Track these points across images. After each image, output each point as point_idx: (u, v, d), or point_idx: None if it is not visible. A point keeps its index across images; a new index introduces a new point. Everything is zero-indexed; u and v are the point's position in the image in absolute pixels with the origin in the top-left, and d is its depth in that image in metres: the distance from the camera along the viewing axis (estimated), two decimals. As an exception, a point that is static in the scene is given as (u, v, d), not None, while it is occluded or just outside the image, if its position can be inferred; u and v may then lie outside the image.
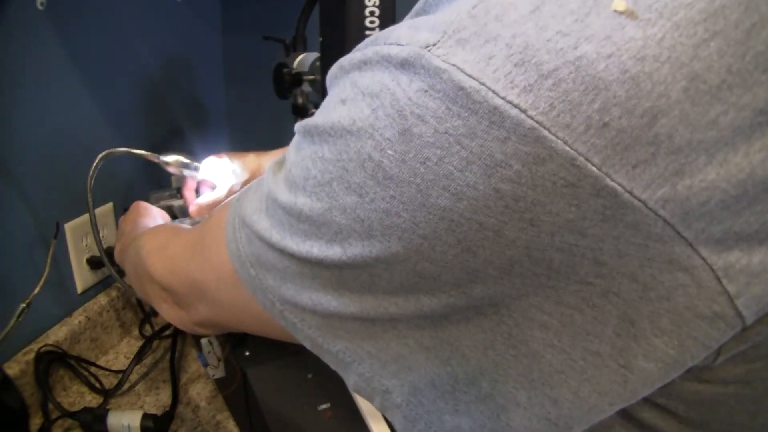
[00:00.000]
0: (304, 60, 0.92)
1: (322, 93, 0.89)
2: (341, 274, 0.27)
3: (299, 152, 0.29)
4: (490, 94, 0.21)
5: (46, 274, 0.72)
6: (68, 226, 0.80)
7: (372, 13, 0.76)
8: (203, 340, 0.68)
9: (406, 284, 0.26)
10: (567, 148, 0.21)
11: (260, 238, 0.31)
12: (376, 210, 0.25)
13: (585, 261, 0.23)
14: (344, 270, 0.27)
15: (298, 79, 0.89)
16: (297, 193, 0.28)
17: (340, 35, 0.77)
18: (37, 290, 0.70)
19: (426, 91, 0.23)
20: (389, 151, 0.24)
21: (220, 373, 0.68)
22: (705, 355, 0.24)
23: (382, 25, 0.77)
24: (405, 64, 0.24)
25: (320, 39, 0.83)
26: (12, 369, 0.69)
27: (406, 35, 0.25)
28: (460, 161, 0.22)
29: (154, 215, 0.71)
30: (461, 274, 0.24)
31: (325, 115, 0.27)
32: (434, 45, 0.23)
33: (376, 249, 0.25)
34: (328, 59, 0.83)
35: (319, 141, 0.27)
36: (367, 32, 0.76)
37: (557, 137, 0.21)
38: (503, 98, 0.21)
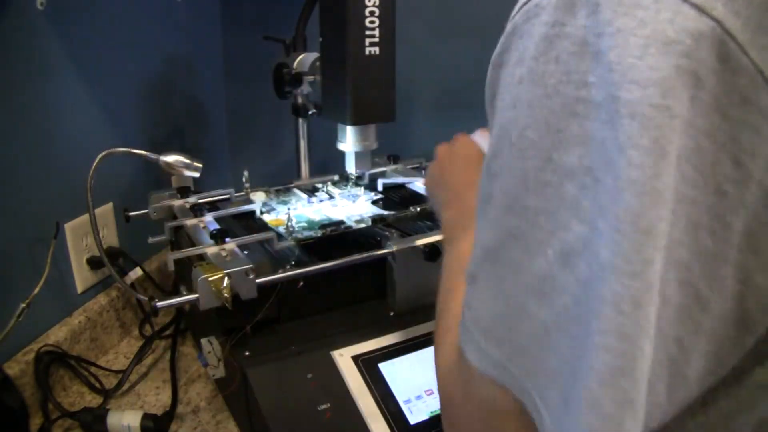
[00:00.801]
0: (304, 60, 0.92)
1: (323, 93, 0.90)
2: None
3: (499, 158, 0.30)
4: None
5: (46, 274, 0.72)
6: (68, 226, 0.80)
7: (372, 13, 0.76)
8: (203, 340, 0.68)
9: None
10: (717, 27, 0.23)
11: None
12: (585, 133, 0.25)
13: (725, 157, 0.24)
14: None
15: (298, 79, 0.90)
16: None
17: (340, 35, 0.77)
18: (37, 290, 0.70)
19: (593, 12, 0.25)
20: (589, 79, 0.25)
21: (220, 373, 0.68)
22: None
23: (382, 25, 0.77)
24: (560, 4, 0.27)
25: (320, 39, 0.83)
26: (12, 369, 0.69)
27: None
28: (638, 49, 0.24)
29: None
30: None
31: (504, 106, 0.30)
32: None
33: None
34: (328, 59, 0.83)
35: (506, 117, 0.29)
36: (367, 32, 0.76)
37: (710, 16, 0.23)
38: None
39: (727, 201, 0.24)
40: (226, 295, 0.61)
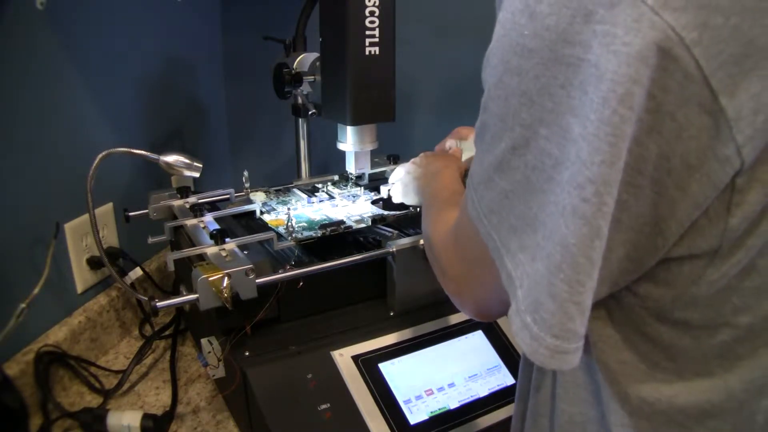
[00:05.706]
0: (304, 60, 0.92)
1: (323, 93, 0.90)
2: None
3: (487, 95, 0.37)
4: None
5: (46, 274, 0.72)
6: (68, 226, 0.80)
7: (372, 13, 0.76)
8: (203, 340, 0.68)
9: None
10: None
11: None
12: (532, 78, 0.32)
13: (641, 90, 0.28)
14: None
15: (298, 79, 0.90)
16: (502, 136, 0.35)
17: (340, 35, 0.77)
18: (37, 290, 0.70)
19: None
20: (525, 32, 0.32)
21: (220, 373, 0.68)
22: (714, 196, 0.30)
23: (382, 25, 0.77)
24: None
25: (320, 39, 0.83)
26: (12, 369, 0.69)
27: None
28: (569, 18, 0.29)
29: None
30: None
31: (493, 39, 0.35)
32: None
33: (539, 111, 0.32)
34: (328, 59, 0.83)
35: (487, 67, 0.36)
36: (367, 32, 0.76)
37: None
38: None
39: (643, 125, 0.29)
40: (225, 295, 0.61)
